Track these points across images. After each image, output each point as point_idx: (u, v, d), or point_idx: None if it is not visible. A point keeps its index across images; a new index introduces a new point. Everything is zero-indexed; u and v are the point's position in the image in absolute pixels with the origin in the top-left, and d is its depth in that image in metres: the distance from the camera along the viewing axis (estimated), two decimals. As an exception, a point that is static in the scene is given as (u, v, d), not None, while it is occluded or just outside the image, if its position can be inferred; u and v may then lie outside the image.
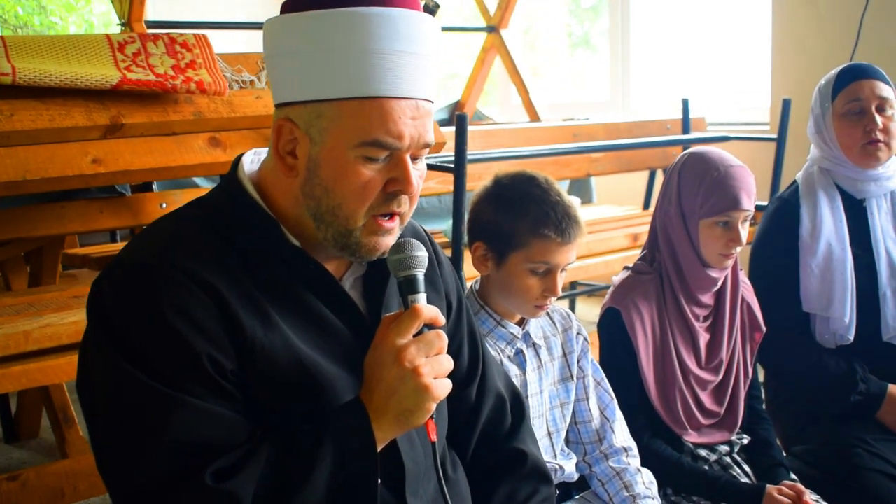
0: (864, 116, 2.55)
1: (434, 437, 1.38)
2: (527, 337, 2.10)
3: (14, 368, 2.26)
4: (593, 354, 2.24)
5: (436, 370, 1.34)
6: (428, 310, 1.37)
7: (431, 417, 1.37)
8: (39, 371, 2.25)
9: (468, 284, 2.16)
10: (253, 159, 1.51)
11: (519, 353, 2.08)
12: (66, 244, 3.16)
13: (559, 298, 4.66)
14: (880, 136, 2.54)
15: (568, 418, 2.16)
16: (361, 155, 1.35)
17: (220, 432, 1.30)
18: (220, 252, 1.37)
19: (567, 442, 2.17)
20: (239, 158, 1.49)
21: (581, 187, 5.09)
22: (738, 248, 2.26)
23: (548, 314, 2.17)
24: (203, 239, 1.38)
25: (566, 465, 2.10)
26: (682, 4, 6.03)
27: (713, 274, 2.28)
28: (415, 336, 1.35)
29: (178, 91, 2.42)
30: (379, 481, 1.37)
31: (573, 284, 5.00)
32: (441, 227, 3.75)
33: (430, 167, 3.19)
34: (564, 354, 2.16)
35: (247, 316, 1.33)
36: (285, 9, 1.38)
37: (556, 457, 2.11)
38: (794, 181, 2.73)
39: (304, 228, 1.41)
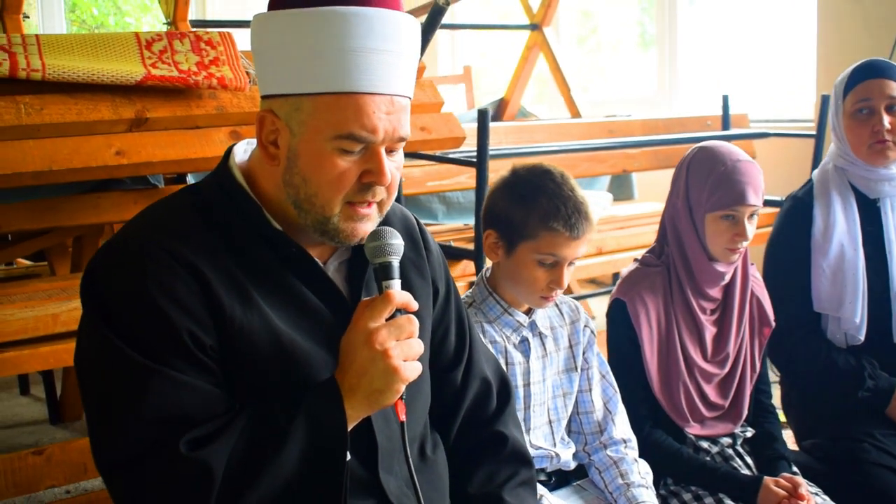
0: (873, 116, 2.54)
1: (402, 417, 1.44)
2: (533, 326, 2.14)
3: (42, 349, 2.38)
4: (602, 347, 2.28)
5: (405, 353, 1.41)
6: (400, 295, 1.43)
7: (401, 398, 1.43)
8: (66, 352, 2.36)
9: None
10: (246, 149, 1.59)
11: (524, 340, 2.13)
12: (105, 234, 3.29)
13: (589, 296, 4.69)
14: (888, 136, 2.53)
15: (570, 408, 2.20)
16: (337, 147, 1.41)
17: (197, 404, 1.37)
18: (205, 235, 1.45)
19: (569, 431, 2.22)
20: (231, 148, 1.57)
21: (622, 183, 5.09)
22: (744, 243, 2.27)
23: (557, 306, 2.22)
24: (190, 222, 1.46)
25: (563, 454, 2.15)
26: (731, 1, 5.99)
27: (720, 268, 2.30)
28: (387, 320, 1.42)
29: (201, 86, 2.52)
30: (350, 457, 1.43)
31: (616, 277, 5.01)
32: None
33: (454, 161, 3.26)
34: (570, 345, 2.21)
35: (227, 295, 1.41)
36: (271, 6, 1.46)
37: (555, 444, 2.16)
38: (810, 179, 2.73)
39: (287, 214, 1.48)
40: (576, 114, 5.21)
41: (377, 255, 1.46)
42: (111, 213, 2.83)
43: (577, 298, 4.86)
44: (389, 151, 1.46)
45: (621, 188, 5.07)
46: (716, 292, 2.35)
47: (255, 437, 1.37)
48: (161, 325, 1.37)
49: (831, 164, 2.68)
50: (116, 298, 1.39)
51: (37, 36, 2.47)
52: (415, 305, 1.45)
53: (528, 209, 2.01)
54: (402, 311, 1.43)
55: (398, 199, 3.30)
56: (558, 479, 2.18)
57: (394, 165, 1.47)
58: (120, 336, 1.36)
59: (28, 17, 3.32)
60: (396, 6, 1.44)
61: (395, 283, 1.45)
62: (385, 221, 1.61)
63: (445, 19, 7.23)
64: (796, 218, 2.65)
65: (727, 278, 2.34)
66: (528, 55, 5.31)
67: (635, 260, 2.41)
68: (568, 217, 1.99)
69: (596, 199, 4.03)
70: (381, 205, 1.50)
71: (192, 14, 6.48)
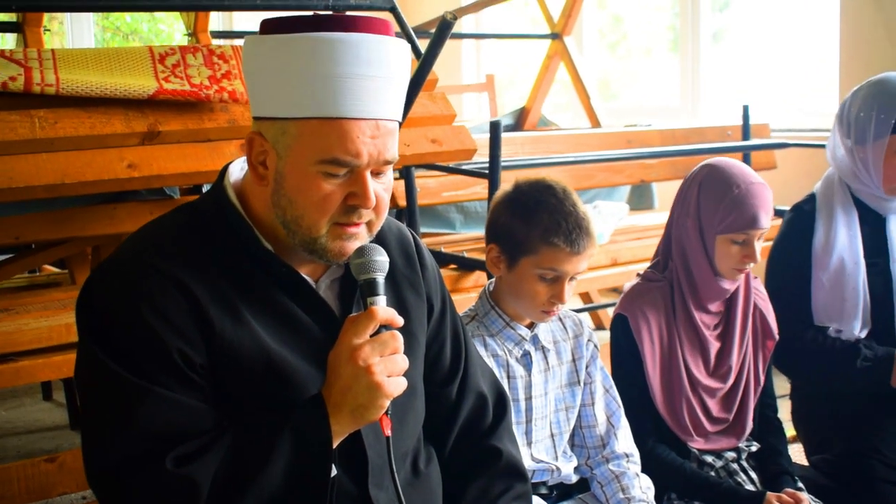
0: None
1: (388, 433, 1.46)
2: (535, 340, 2.16)
3: (55, 358, 2.43)
4: (606, 361, 2.29)
5: (389, 369, 1.42)
6: (384, 311, 1.45)
7: (386, 413, 1.45)
8: (79, 362, 2.40)
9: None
10: (242, 167, 1.61)
11: (526, 354, 2.14)
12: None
13: (605, 305, 4.68)
14: None
15: (572, 422, 2.21)
16: (322, 171, 1.43)
17: (185, 421, 1.40)
18: (196, 254, 1.47)
19: (572, 445, 2.23)
20: (227, 166, 1.60)
21: (642, 193, 5.08)
22: (752, 264, 2.29)
23: (560, 319, 2.23)
24: (183, 241, 1.49)
25: (564, 467, 2.15)
26: (754, 10, 5.96)
27: (725, 285, 2.31)
28: (372, 336, 1.44)
29: (212, 100, 2.56)
30: (337, 472, 1.46)
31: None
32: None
33: (467, 173, 3.28)
34: (573, 359, 2.22)
35: (218, 313, 1.44)
36: (262, 29, 1.48)
37: (556, 458, 2.17)
38: (812, 193, 2.72)
39: (278, 233, 1.51)
40: (595, 123, 5.21)
41: (362, 272, 1.47)
42: (127, 224, 2.88)
43: (593, 308, 4.87)
44: (376, 174, 1.48)
45: (641, 197, 5.07)
46: (717, 306, 2.36)
47: (242, 451, 1.40)
48: (151, 343, 1.40)
49: (836, 176, 2.65)
50: (108, 316, 1.42)
51: (52, 50, 2.53)
52: (399, 321, 1.47)
53: (529, 224, 2.02)
54: (387, 327, 1.45)
55: (412, 211, 3.34)
56: (560, 493, 2.18)
57: (381, 187, 1.49)
58: (110, 354, 1.40)
59: (49, 30, 3.37)
60: (383, 31, 1.46)
61: (381, 300, 1.47)
62: (380, 237, 1.63)
63: (467, 28, 7.28)
64: (799, 227, 2.65)
65: (729, 293, 2.34)
66: (548, 64, 5.32)
67: (638, 275, 2.42)
68: (569, 233, 2.00)
69: (612, 210, 4.03)
70: (370, 225, 1.52)
71: (219, 25, 6.56)
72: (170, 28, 10.30)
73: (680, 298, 2.33)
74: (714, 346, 2.34)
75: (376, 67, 1.43)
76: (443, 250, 3.37)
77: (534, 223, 2.02)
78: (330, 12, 1.34)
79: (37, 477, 2.42)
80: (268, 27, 1.46)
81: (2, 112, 2.35)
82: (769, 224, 2.27)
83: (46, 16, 3.47)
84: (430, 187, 3.58)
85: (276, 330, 1.49)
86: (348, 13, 1.50)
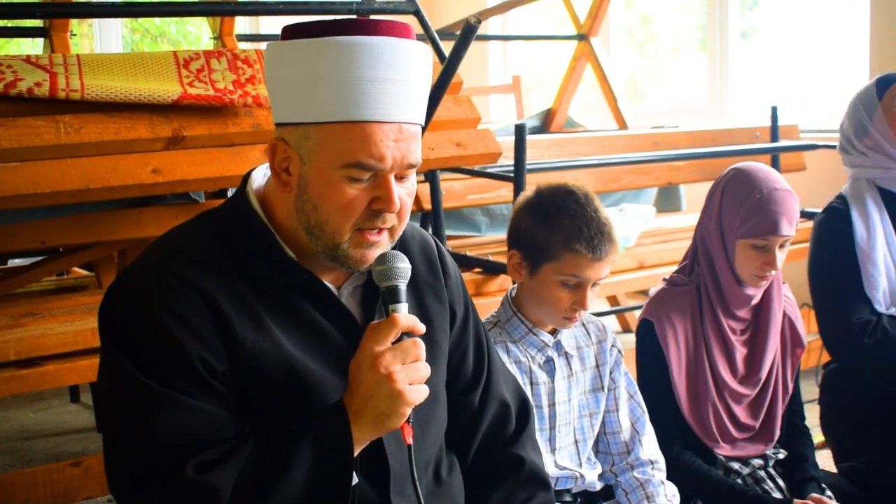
0: None
1: (409, 441, 1.45)
2: (558, 346, 2.14)
3: (80, 363, 2.44)
4: (630, 367, 2.27)
5: (410, 377, 1.41)
6: (405, 319, 1.44)
7: (408, 421, 1.44)
8: (104, 366, 2.41)
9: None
10: (265, 173, 1.61)
11: (549, 360, 2.12)
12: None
13: (627, 310, 4.65)
14: None
15: (596, 428, 2.19)
16: (346, 175, 1.43)
17: (207, 428, 1.40)
18: (219, 261, 1.47)
19: (596, 452, 2.21)
20: (250, 173, 1.60)
21: (670, 195, 5.05)
22: (773, 272, 2.25)
23: (583, 325, 2.21)
24: (205, 248, 1.49)
25: (588, 474, 2.13)
26: (783, 9, 5.91)
27: (748, 291, 2.28)
28: (394, 343, 1.43)
29: (236, 104, 2.56)
30: (357, 480, 1.45)
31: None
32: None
33: (492, 176, 3.27)
34: (597, 365, 2.20)
35: (239, 321, 1.43)
36: (283, 35, 1.48)
37: (580, 465, 2.15)
38: (841, 194, 2.72)
39: (300, 240, 1.50)
40: (622, 125, 5.18)
41: (384, 279, 1.46)
42: (152, 228, 2.89)
43: (620, 311, 4.85)
44: (400, 178, 1.47)
45: (669, 200, 5.03)
46: (745, 313, 2.32)
47: (263, 459, 1.39)
48: (173, 351, 1.39)
49: (861, 178, 2.70)
50: (130, 324, 1.42)
51: (78, 56, 2.54)
52: (421, 329, 1.46)
53: (550, 230, 2.01)
54: (409, 334, 1.44)
55: (436, 214, 3.33)
56: (584, 501, 2.16)
57: (405, 192, 1.48)
58: (133, 361, 1.39)
59: (75, 35, 3.39)
60: (404, 34, 1.45)
61: (402, 307, 1.46)
62: (403, 245, 1.62)
63: (493, 30, 7.25)
64: (835, 224, 2.66)
65: (757, 299, 2.31)
66: (575, 66, 5.30)
67: (664, 280, 2.40)
68: (591, 238, 1.98)
69: (638, 212, 4.00)
70: (391, 231, 1.51)
71: (245, 29, 6.58)
72: (198, 30, 10.33)
73: (707, 303, 2.30)
74: (741, 351, 2.32)
75: (398, 70, 1.42)
76: (468, 254, 3.36)
77: (555, 229, 2.01)
78: (353, 16, 1.33)
79: (62, 481, 2.44)
80: (289, 33, 1.46)
81: (27, 118, 2.37)
82: (792, 232, 2.22)
83: (73, 21, 3.48)
84: (456, 190, 3.58)
85: (298, 337, 1.49)
86: (370, 17, 1.48)
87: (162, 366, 1.39)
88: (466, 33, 2.47)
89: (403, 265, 1.47)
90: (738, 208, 2.24)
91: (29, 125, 2.35)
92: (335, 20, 1.43)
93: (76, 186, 2.35)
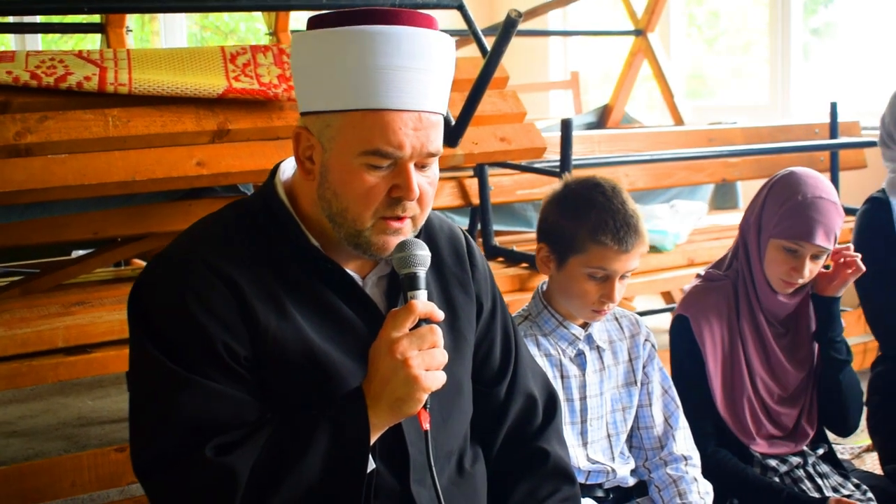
0: None
1: (426, 427, 1.46)
2: (589, 339, 2.13)
3: (126, 352, 2.49)
4: (664, 363, 2.25)
5: (427, 363, 1.42)
6: (423, 305, 1.45)
7: (425, 407, 1.45)
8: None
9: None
10: (293, 165, 1.64)
11: (580, 354, 2.12)
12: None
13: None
14: None
15: (629, 422, 2.18)
16: (365, 163, 1.45)
17: (228, 412, 1.42)
18: (245, 249, 1.50)
19: (629, 446, 2.20)
20: (279, 165, 1.63)
21: (727, 192, 4.98)
22: (800, 280, 2.22)
23: (616, 319, 2.20)
24: (231, 237, 1.52)
25: (620, 469, 2.12)
26: (860, 5, 5.78)
27: (781, 298, 2.25)
28: (411, 330, 1.44)
29: (280, 99, 2.60)
30: (377, 467, 1.47)
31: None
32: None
33: (538, 171, 3.26)
34: (630, 359, 2.18)
35: (263, 308, 1.46)
36: (309, 25, 1.50)
37: (613, 459, 2.14)
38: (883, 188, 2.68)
39: (325, 230, 1.53)
40: (679, 121, 5.13)
41: (403, 266, 1.48)
42: (202, 220, 2.94)
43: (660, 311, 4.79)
44: (421, 167, 1.48)
45: (725, 196, 4.97)
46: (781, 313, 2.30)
47: (281, 442, 1.42)
48: (197, 336, 1.42)
49: None
50: (156, 310, 1.46)
51: (128, 50, 2.60)
52: (440, 316, 1.47)
53: (577, 223, 2.00)
54: (427, 321, 1.45)
55: (484, 208, 3.34)
56: (617, 496, 2.15)
57: (426, 180, 1.49)
58: (157, 345, 1.43)
59: (131, 31, 3.47)
60: (427, 24, 1.46)
61: (421, 294, 1.47)
62: (430, 236, 1.63)
63: (551, 25, 7.20)
64: (876, 214, 2.63)
65: (791, 308, 2.29)
66: (631, 61, 5.26)
67: (697, 275, 2.37)
68: (616, 231, 1.97)
69: (690, 209, 3.96)
70: (414, 219, 1.52)
71: (300, 24, 6.61)
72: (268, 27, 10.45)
73: (745, 297, 2.28)
74: (779, 345, 2.29)
75: (418, 60, 1.44)
76: (514, 249, 3.36)
77: (582, 222, 2.00)
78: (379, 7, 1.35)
79: (106, 466, 2.50)
80: (313, 23, 1.48)
81: (77, 111, 2.43)
82: (827, 245, 2.18)
83: (130, 17, 3.56)
84: (505, 185, 3.58)
85: (321, 325, 1.51)
86: (399, 8, 1.49)
87: (186, 351, 1.43)
88: (507, 27, 2.47)
89: (422, 252, 1.48)
90: (779, 207, 2.22)
91: (78, 118, 2.42)
92: (357, 10, 1.45)
93: (122, 178, 2.40)
